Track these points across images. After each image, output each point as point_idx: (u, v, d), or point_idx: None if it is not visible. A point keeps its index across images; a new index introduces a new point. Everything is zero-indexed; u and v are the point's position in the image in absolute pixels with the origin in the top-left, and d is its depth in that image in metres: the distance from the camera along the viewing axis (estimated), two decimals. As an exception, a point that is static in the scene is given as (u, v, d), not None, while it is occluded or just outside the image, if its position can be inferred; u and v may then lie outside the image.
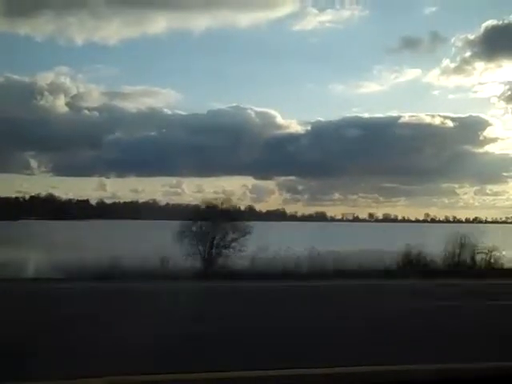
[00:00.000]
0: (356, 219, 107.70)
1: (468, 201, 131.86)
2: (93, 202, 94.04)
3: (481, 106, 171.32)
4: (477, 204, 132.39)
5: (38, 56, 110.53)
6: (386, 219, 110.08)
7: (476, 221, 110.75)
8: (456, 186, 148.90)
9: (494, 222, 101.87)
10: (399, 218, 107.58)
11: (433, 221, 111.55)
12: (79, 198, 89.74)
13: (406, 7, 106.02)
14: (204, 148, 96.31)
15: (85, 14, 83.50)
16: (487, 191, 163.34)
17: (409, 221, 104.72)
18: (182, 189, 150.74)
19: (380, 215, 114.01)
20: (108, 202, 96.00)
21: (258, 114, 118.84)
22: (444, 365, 1.74)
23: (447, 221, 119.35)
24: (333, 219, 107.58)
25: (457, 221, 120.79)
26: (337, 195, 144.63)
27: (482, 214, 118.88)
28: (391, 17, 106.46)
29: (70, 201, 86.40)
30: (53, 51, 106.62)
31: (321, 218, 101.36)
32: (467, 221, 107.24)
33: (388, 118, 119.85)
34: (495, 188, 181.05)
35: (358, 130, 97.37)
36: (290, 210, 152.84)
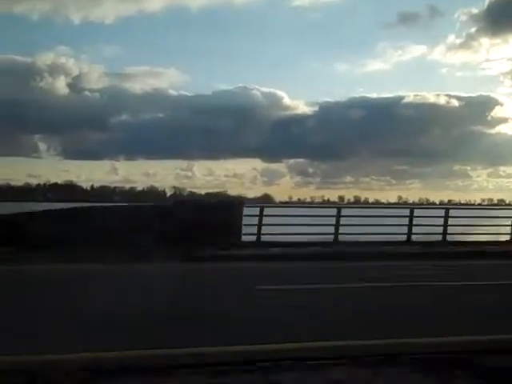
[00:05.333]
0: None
1: (482, 183, 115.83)
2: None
3: (490, 84, 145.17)
4: (491, 187, 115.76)
5: (35, 35, 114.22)
6: (357, 202, 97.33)
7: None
8: (468, 168, 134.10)
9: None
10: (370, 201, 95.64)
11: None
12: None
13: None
14: (211, 130, 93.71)
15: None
16: (501, 173, 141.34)
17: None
18: (193, 172, 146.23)
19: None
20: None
21: (264, 95, 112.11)
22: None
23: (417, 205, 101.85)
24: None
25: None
26: (348, 178, 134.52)
27: (497, 197, 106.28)
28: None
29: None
30: (50, 30, 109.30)
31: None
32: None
33: (395, 98, 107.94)
34: (509, 170, 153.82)
35: (366, 110, 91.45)
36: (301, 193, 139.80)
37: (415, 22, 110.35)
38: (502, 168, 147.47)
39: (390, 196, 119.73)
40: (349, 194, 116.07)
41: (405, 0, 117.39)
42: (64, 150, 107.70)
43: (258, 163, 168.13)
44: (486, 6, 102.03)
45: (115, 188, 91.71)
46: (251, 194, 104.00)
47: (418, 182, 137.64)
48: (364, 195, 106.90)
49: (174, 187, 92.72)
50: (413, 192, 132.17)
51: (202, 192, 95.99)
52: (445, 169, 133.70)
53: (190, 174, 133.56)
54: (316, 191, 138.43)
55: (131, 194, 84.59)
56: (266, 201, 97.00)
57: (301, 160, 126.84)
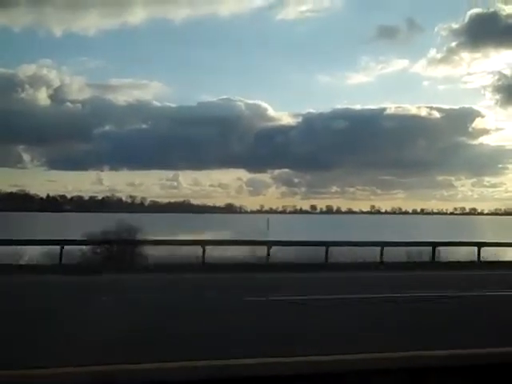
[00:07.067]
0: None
1: (466, 193, 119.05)
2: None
3: (471, 97, 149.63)
4: (476, 196, 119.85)
5: (16, 47, 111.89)
6: (329, 211, 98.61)
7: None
8: (452, 178, 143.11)
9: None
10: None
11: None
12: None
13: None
14: (195, 141, 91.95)
15: (61, 4, 79.08)
16: (485, 183, 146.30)
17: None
18: (179, 182, 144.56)
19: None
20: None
21: (248, 106, 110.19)
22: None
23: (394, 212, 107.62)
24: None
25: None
26: (334, 188, 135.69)
27: (481, 206, 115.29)
28: (369, 4, 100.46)
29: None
30: (32, 43, 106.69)
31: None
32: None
33: (379, 110, 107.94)
34: (493, 180, 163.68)
35: (350, 121, 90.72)
36: (287, 203, 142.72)
37: (396, 36, 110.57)
38: (485, 178, 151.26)
39: (366, 206, 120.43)
40: (322, 204, 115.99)
41: (385, 15, 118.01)
42: (48, 161, 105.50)
43: (243, 173, 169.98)
44: (466, 21, 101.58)
45: (72, 198, 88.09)
46: (218, 203, 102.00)
47: (402, 193, 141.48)
48: (351, 205, 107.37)
49: (131, 196, 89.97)
50: (397, 202, 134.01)
51: (164, 201, 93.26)
52: (429, 179, 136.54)
53: (175, 183, 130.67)
54: (301, 201, 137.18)
55: (90, 203, 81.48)
56: (229, 211, 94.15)
57: (286, 170, 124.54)
